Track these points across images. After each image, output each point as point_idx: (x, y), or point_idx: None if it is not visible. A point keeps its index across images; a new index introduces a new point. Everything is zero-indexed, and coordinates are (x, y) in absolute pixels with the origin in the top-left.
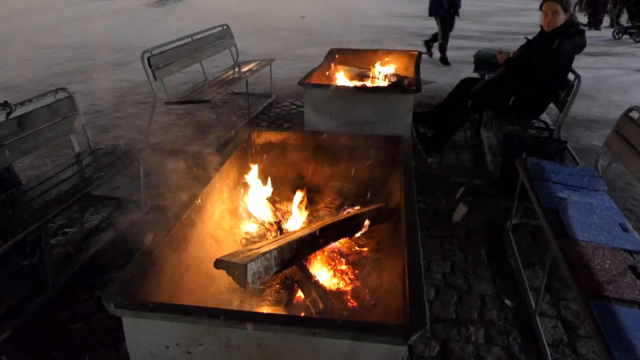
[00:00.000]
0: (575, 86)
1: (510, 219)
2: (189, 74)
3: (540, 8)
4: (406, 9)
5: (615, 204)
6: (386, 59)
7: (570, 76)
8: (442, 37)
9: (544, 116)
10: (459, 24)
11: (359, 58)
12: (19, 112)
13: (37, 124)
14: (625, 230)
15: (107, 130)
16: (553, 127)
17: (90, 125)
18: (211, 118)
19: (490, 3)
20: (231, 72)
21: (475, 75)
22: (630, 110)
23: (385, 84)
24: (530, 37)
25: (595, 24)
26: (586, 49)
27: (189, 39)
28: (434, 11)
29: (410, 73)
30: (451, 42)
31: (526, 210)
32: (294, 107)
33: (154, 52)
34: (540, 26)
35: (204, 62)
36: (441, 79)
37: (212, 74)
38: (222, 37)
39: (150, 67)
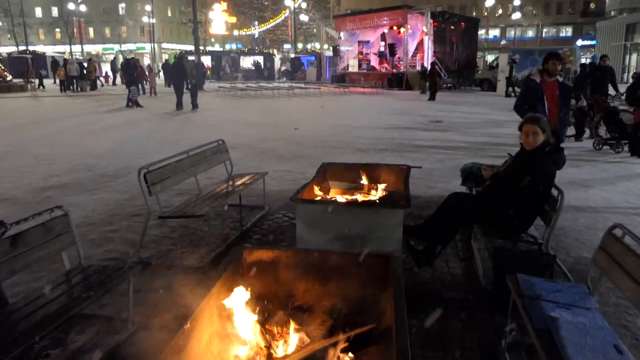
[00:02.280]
0: (559, 201)
1: (505, 338)
2: (184, 185)
3: (520, 129)
4: (394, 120)
5: (608, 322)
6: (376, 173)
7: (554, 191)
8: None
9: (532, 229)
10: (446, 135)
11: (349, 172)
12: (13, 230)
13: (30, 242)
14: (619, 351)
15: (99, 244)
16: (541, 241)
17: (82, 239)
18: (204, 230)
19: (476, 115)
20: (225, 185)
21: (463, 188)
22: (613, 227)
23: (375, 198)
24: (513, 154)
25: (579, 135)
26: (570, 160)
27: (185, 155)
28: None
29: (400, 187)
30: (439, 154)
31: (521, 327)
32: (286, 219)
33: (150, 168)
34: (521, 144)
35: (199, 175)
36: (431, 191)
37: (207, 186)
38: (218, 151)
39: (146, 182)
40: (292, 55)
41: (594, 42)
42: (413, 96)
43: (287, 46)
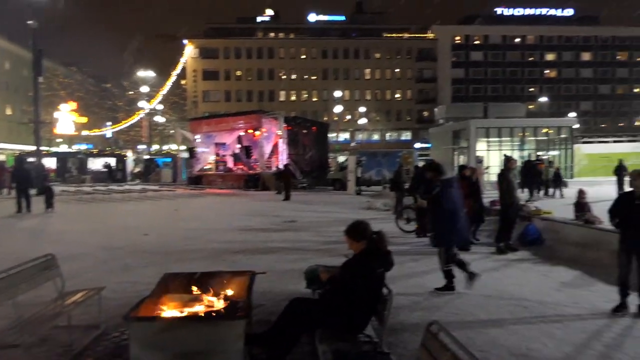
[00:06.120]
0: (389, 301)
1: None
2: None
3: None
4: (250, 222)
5: None
6: (220, 282)
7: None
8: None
9: (370, 329)
10: (299, 236)
11: (192, 282)
12: None
13: None
14: None
15: None
16: (377, 340)
17: None
18: None
19: (329, 214)
20: (52, 306)
21: (309, 290)
22: (430, 324)
23: (217, 309)
24: (349, 257)
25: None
26: (410, 255)
27: (4, 274)
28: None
29: (243, 295)
30: (291, 254)
31: None
32: (125, 337)
33: None
34: None
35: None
36: (281, 295)
37: (33, 306)
38: (46, 267)
39: None
40: (147, 157)
41: (429, 145)
42: (269, 197)
43: (142, 147)
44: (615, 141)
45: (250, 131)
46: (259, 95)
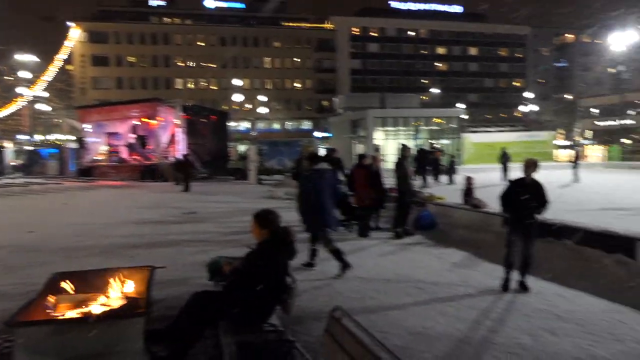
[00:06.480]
0: (293, 289)
1: None
2: None
3: None
4: (147, 214)
5: None
6: (116, 278)
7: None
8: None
9: (274, 318)
10: (200, 227)
11: (85, 280)
12: None
13: None
14: None
15: None
16: (282, 329)
17: None
18: None
19: (230, 204)
20: None
21: (211, 283)
22: (334, 310)
23: (113, 308)
24: (253, 247)
25: None
26: (303, 242)
27: None
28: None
29: (141, 291)
30: (192, 247)
31: None
32: (8, 344)
33: None
34: None
35: None
36: (182, 289)
37: None
38: None
39: None
40: (29, 148)
41: (330, 135)
42: (167, 188)
43: (23, 137)
44: (498, 131)
45: (145, 120)
46: (154, 83)
